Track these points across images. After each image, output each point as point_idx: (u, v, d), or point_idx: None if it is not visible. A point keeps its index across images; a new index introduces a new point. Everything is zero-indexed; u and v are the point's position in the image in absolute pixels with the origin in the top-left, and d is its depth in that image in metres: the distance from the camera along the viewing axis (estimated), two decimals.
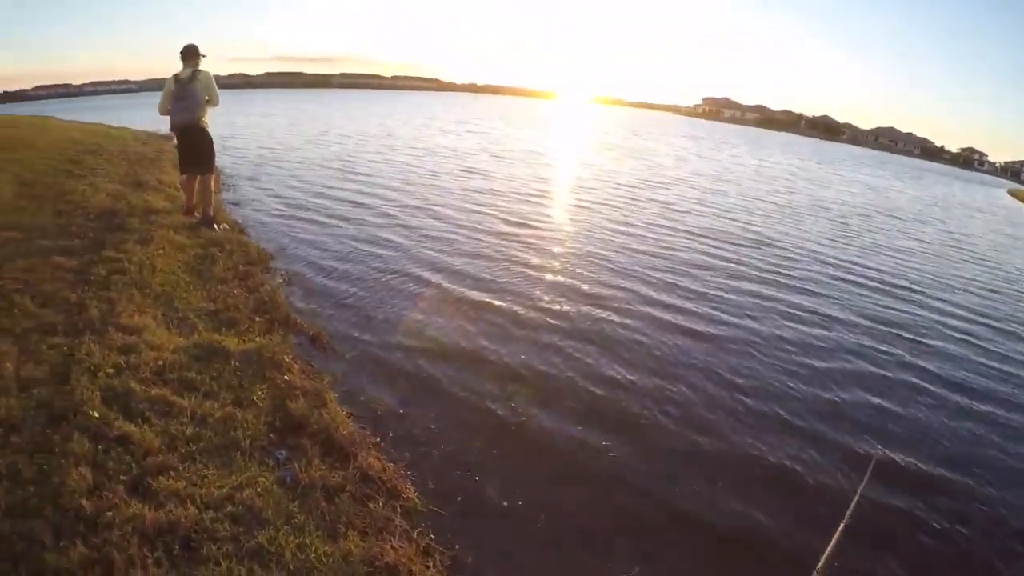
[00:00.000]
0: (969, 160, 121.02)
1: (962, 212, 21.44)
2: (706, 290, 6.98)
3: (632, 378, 4.60)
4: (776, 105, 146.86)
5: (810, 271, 8.47)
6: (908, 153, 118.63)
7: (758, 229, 11.06)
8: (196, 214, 7.13)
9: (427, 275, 6.51)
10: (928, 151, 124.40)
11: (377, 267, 6.69)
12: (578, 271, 7.16)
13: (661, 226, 10.27)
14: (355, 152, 16.74)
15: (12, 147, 9.79)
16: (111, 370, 3.43)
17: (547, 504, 3.15)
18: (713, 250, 8.96)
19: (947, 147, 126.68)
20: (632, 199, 12.73)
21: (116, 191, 7.75)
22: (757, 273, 7.98)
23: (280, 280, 5.82)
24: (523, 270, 6.97)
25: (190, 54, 6.75)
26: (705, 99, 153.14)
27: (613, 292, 6.54)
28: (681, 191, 14.72)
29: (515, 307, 5.80)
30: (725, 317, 6.18)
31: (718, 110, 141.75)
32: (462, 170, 14.43)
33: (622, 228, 9.78)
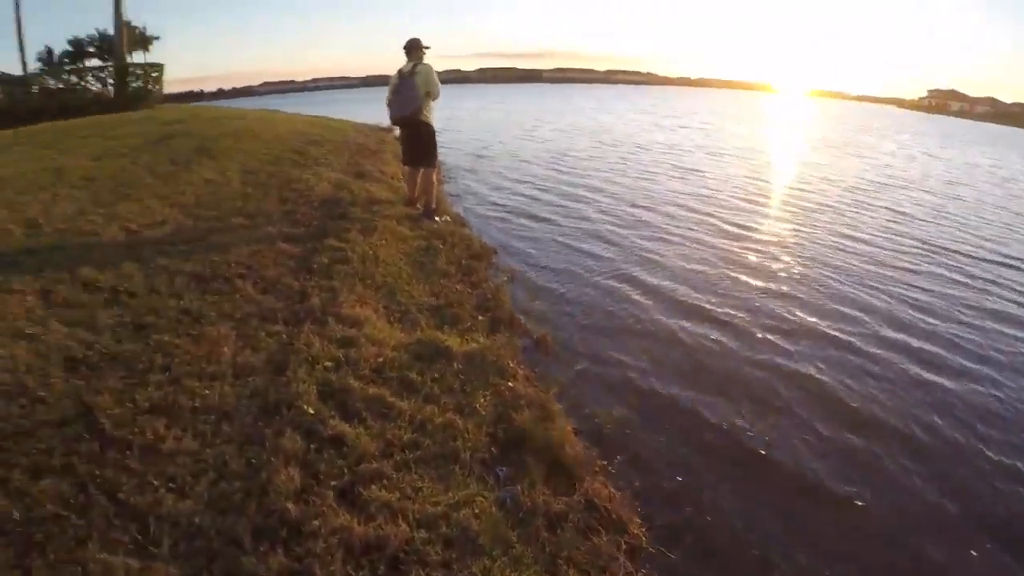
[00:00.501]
0: None
1: None
2: (953, 316, 5.18)
3: (877, 416, 3.58)
4: (1008, 97, 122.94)
5: None
6: None
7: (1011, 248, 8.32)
8: (418, 206, 6.87)
9: (650, 281, 5.49)
10: None
11: (599, 270, 5.82)
12: (806, 285, 5.64)
13: (895, 236, 8.05)
14: (568, 148, 16.17)
15: (241, 137, 10.41)
16: (329, 363, 3.03)
17: (787, 552, 2.56)
18: (961, 267, 6.83)
19: None
20: (860, 203, 10.24)
21: (339, 180, 7.77)
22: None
23: (504, 278, 5.19)
24: (748, 280, 5.66)
25: (413, 47, 6.46)
26: (931, 91, 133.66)
27: (849, 311, 5.04)
28: (914, 195, 11.93)
29: (743, 324, 4.64)
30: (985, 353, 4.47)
31: (945, 103, 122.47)
32: (677, 168, 12.88)
33: (852, 236, 7.78)
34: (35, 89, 16.82)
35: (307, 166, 8.56)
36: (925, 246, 7.62)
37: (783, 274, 6.01)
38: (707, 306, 4.96)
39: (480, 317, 3.95)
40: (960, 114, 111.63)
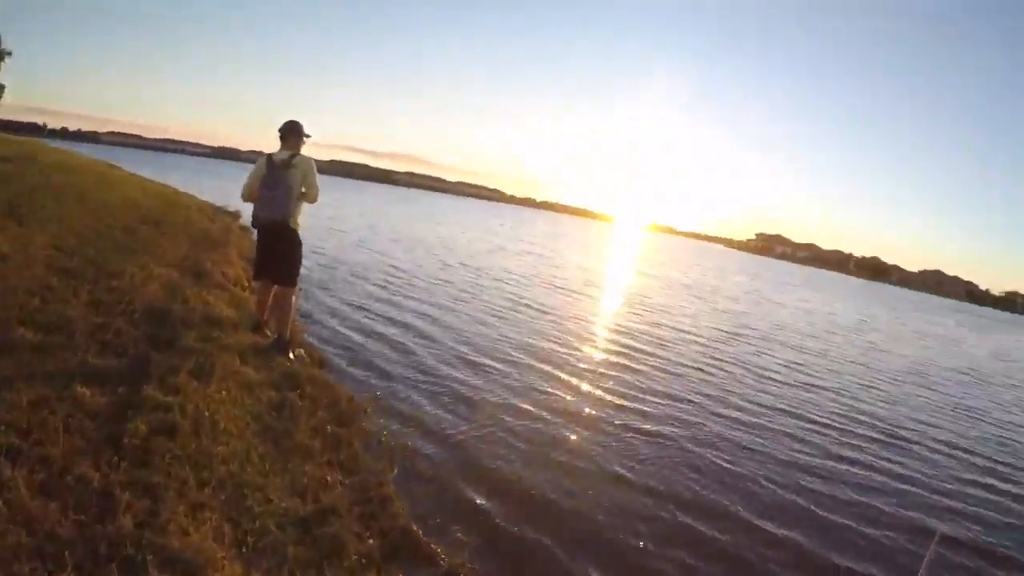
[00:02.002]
0: (1012, 303, 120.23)
1: None
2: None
3: None
4: (827, 244, 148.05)
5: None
6: (955, 295, 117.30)
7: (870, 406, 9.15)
8: (267, 332, 5.76)
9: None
10: (973, 294, 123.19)
11: (498, 426, 5.18)
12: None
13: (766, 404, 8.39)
14: (420, 262, 15.85)
15: (65, 197, 8.64)
16: None
17: None
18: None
19: (991, 290, 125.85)
20: (718, 360, 10.63)
21: (172, 281, 6.40)
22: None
23: (382, 454, 4.22)
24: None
25: (291, 132, 5.52)
26: (758, 235, 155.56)
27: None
28: (767, 347, 12.87)
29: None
30: None
31: (770, 246, 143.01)
32: (518, 302, 12.73)
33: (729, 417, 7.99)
34: None
35: (135, 253, 7.12)
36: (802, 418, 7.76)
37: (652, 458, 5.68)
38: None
39: (369, 537, 2.97)
40: (783, 256, 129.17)
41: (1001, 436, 8.80)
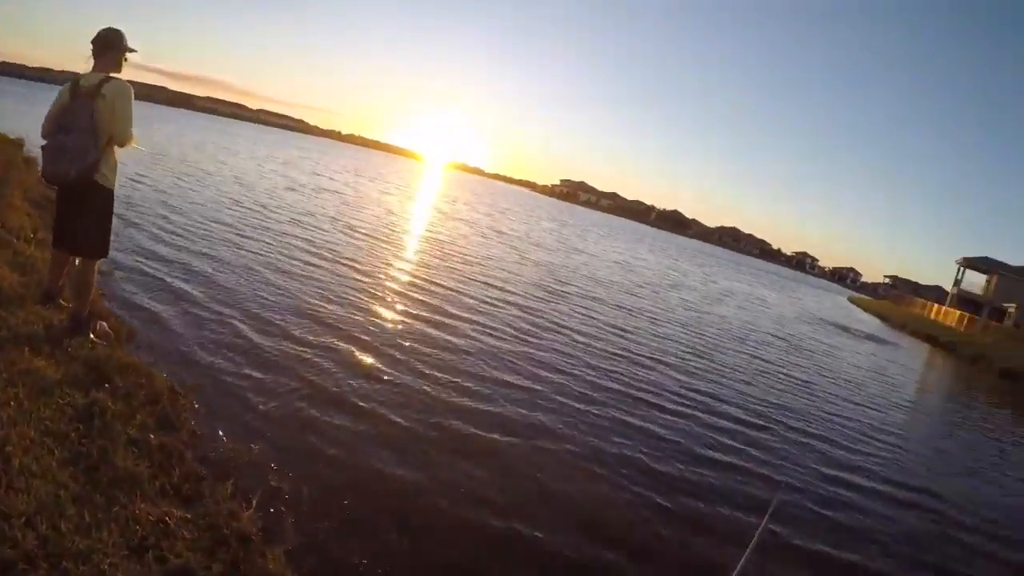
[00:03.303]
0: (801, 263, 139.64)
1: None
2: None
3: None
4: (629, 194, 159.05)
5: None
6: (749, 252, 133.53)
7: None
8: (61, 301, 4.71)
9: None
10: (766, 252, 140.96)
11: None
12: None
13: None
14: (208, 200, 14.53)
15: None
16: None
17: None
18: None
19: (783, 249, 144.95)
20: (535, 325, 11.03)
21: None
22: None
23: (223, 466, 3.62)
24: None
25: (108, 46, 4.27)
26: (563, 181, 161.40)
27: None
28: (578, 305, 13.70)
29: None
30: None
31: (575, 192, 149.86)
32: (317, 253, 11.90)
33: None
34: None
35: None
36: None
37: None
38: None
39: None
40: (587, 204, 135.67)
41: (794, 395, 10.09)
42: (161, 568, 2.47)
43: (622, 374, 8.29)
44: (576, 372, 7.80)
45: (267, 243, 11.29)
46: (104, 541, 2.48)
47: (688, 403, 7.73)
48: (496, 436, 5.27)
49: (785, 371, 12.05)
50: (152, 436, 3.46)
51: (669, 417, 6.98)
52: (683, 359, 10.40)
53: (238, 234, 11.43)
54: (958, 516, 6.32)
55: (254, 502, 3.28)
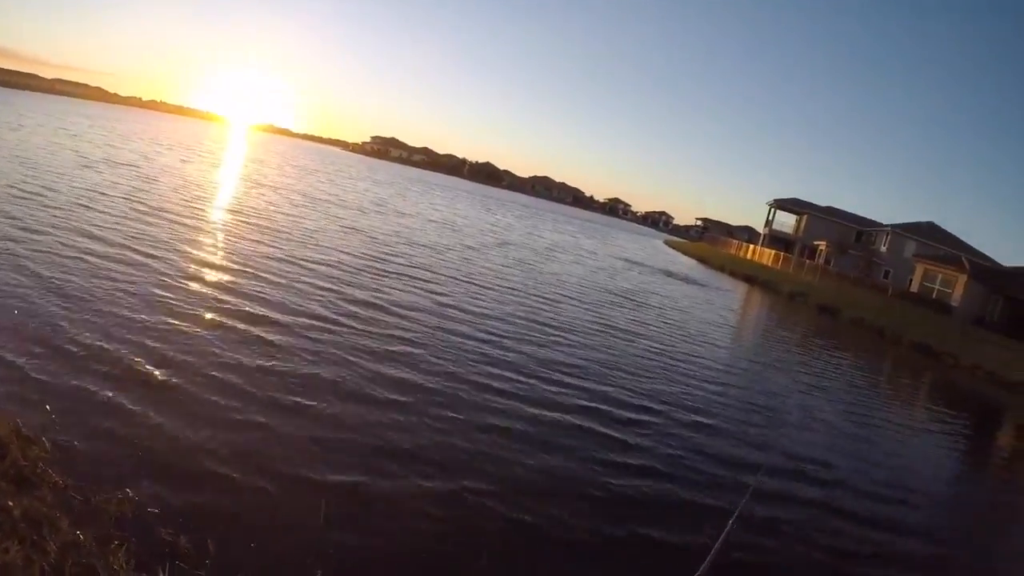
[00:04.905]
0: (615, 209, 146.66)
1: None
2: None
3: None
4: (441, 148, 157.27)
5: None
6: (563, 200, 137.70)
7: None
8: None
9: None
10: (580, 199, 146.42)
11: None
12: None
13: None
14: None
15: None
16: None
17: None
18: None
19: (596, 197, 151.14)
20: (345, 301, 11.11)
21: None
22: None
23: (102, 524, 3.46)
24: None
25: None
26: (374, 137, 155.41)
27: None
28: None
29: None
30: None
31: (386, 149, 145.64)
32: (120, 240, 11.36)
33: None
34: None
35: None
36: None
37: None
38: None
39: None
40: (399, 160, 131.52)
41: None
42: None
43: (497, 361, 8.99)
44: (440, 370, 8.06)
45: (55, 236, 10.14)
46: None
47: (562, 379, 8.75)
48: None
49: (633, 331, 13.76)
50: (11, 503, 3.17)
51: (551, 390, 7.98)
52: (538, 332, 11.27)
53: (23, 228, 10.14)
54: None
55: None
